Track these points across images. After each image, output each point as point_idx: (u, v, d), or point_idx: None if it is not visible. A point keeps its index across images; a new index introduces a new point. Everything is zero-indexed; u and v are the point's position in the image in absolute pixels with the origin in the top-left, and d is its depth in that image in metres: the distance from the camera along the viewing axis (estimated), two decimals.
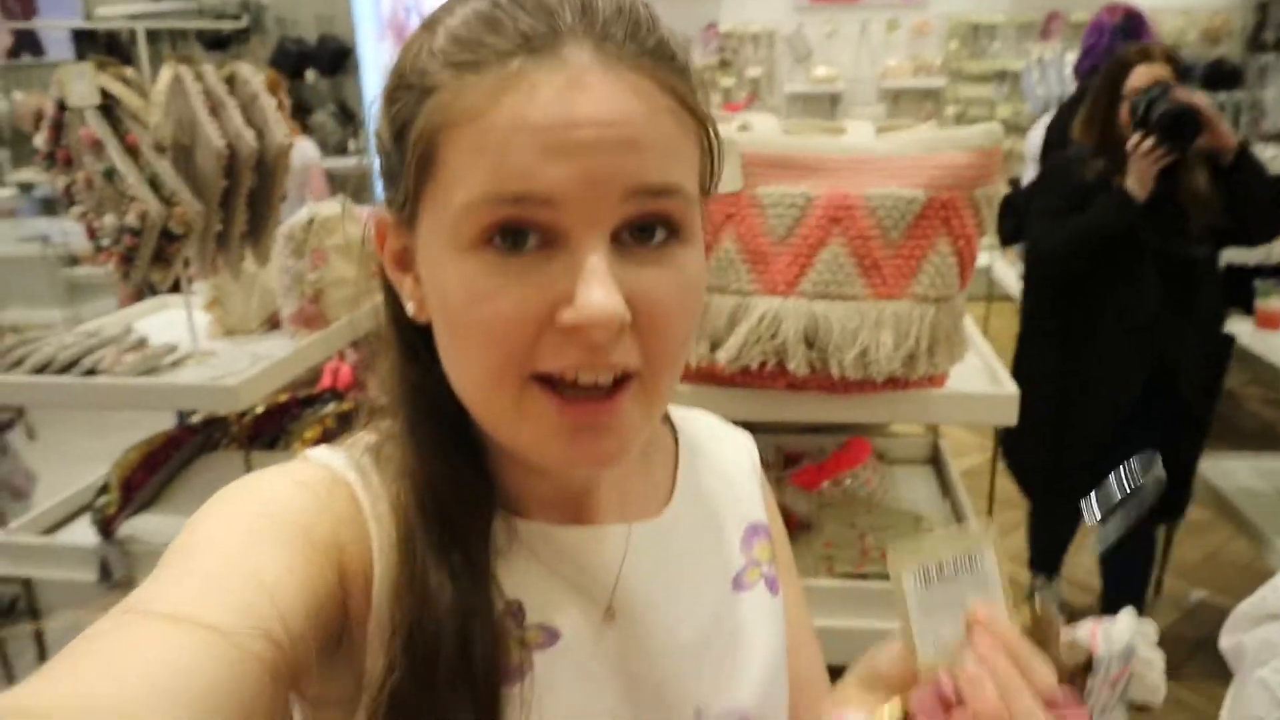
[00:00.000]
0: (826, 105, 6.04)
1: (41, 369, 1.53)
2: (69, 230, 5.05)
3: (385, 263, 0.54)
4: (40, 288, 4.86)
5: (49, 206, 5.56)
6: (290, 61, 5.82)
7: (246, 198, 1.52)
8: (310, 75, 5.95)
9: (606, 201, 0.44)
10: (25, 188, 5.66)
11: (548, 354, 0.46)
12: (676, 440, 0.66)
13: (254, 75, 1.51)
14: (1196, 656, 2.33)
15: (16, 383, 1.53)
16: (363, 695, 0.51)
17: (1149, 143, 1.87)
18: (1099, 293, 2.05)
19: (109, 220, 1.43)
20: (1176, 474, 2.20)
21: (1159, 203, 1.92)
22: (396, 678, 0.48)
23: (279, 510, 0.48)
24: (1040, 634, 0.48)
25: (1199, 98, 1.89)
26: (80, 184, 1.46)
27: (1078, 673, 0.57)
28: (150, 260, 1.46)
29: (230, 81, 1.51)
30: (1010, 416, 1.31)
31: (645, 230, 0.47)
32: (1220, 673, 1.03)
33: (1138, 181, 1.91)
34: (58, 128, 1.46)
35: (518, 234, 0.45)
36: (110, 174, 1.40)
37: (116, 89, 1.42)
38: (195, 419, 1.94)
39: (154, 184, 1.42)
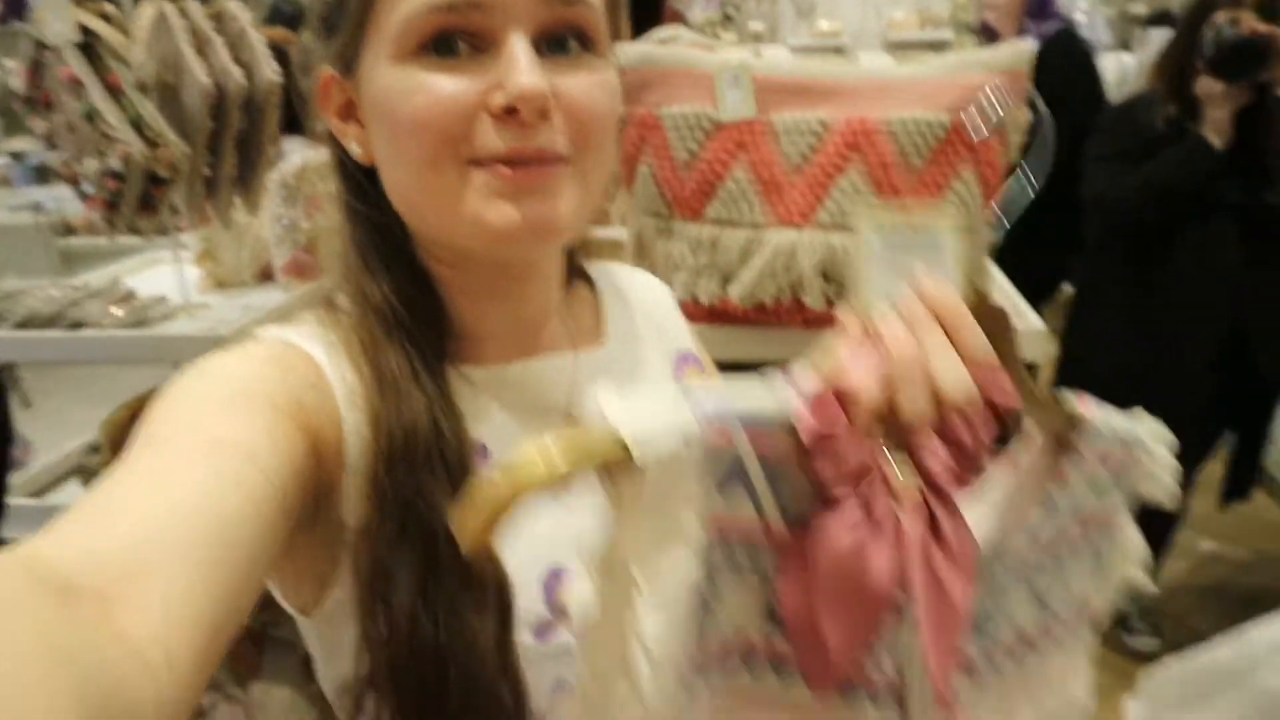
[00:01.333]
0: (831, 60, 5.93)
1: (26, 323, 1.48)
2: (62, 198, 4.98)
3: (330, 118, 0.58)
4: (33, 257, 4.77)
5: (43, 175, 5.46)
6: (284, 20, 5.68)
7: (235, 140, 1.46)
8: (306, 35, 5.82)
9: (526, 3, 0.51)
10: (18, 156, 5.57)
11: (481, 139, 0.51)
12: (594, 287, 0.70)
13: (241, 11, 1.44)
14: (1205, 606, 2.30)
15: (0, 338, 1.47)
16: (341, 556, 0.52)
17: (1217, 84, 1.72)
18: (1170, 250, 1.89)
19: (91, 164, 1.37)
20: (1246, 450, 2.11)
21: (1238, 150, 1.77)
22: (380, 465, 0.51)
23: (240, 384, 0.49)
24: (990, 326, 0.43)
25: (1276, 29, 1.71)
26: (61, 127, 1.39)
27: (1063, 434, 0.50)
28: (136, 206, 1.39)
29: (217, 19, 1.44)
30: (1036, 353, 1.25)
31: (560, 43, 0.53)
32: (1225, 623, 0.99)
33: (1214, 128, 1.76)
34: (36, 68, 1.39)
35: (451, 40, 0.51)
36: (91, 115, 1.34)
37: (97, 25, 1.35)
38: None
39: (138, 125, 1.36)
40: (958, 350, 0.41)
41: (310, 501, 0.50)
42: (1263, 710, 0.66)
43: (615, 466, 0.38)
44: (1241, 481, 2.15)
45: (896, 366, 0.40)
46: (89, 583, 0.32)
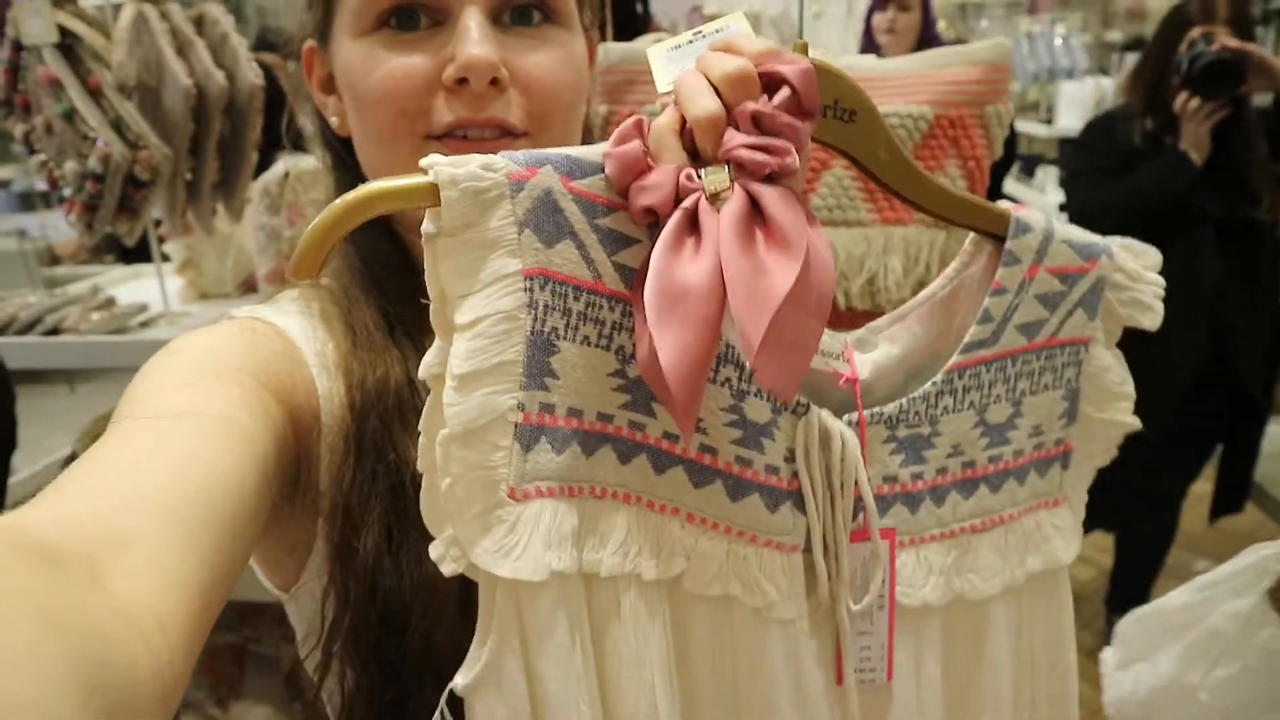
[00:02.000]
0: None
1: (3, 329, 1.45)
2: (47, 225, 4.96)
3: (313, 89, 0.60)
4: (17, 283, 4.72)
5: (28, 202, 5.45)
6: (269, 50, 5.72)
7: (218, 144, 1.44)
8: (291, 65, 5.85)
9: None
10: (3, 184, 5.55)
11: (436, 113, 0.52)
12: None
13: (224, 15, 1.43)
14: None
15: None
16: (317, 526, 0.52)
17: (1195, 100, 1.73)
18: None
19: (70, 166, 1.35)
20: (1234, 466, 2.08)
21: (1216, 164, 1.79)
22: (356, 415, 0.51)
23: (213, 357, 0.49)
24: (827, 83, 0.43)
25: (1250, 45, 1.74)
26: (39, 129, 1.38)
27: (989, 235, 0.48)
28: (116, 210, 1.38)
29: (199, 23, 1.43)
30: None
31: (524, 14, 0.53)
32: None
33: (1192, 143, 1.78)
34: (14, 70, 1.38)
35: (409, 15, 0.52)
36: (70, 115, 1.32)
37: (76, 26, 1.34)
38: None
39: (118, 127, 1.34)
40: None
41: (289, 470, 0.50)
42: (1209, 646, 0.66)
43: (424, 204, 0.38)
44: (1231, 496, 2.13)
45: (680, 88, 0.40)
46: (76, 549, 0.31)
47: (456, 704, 0.41)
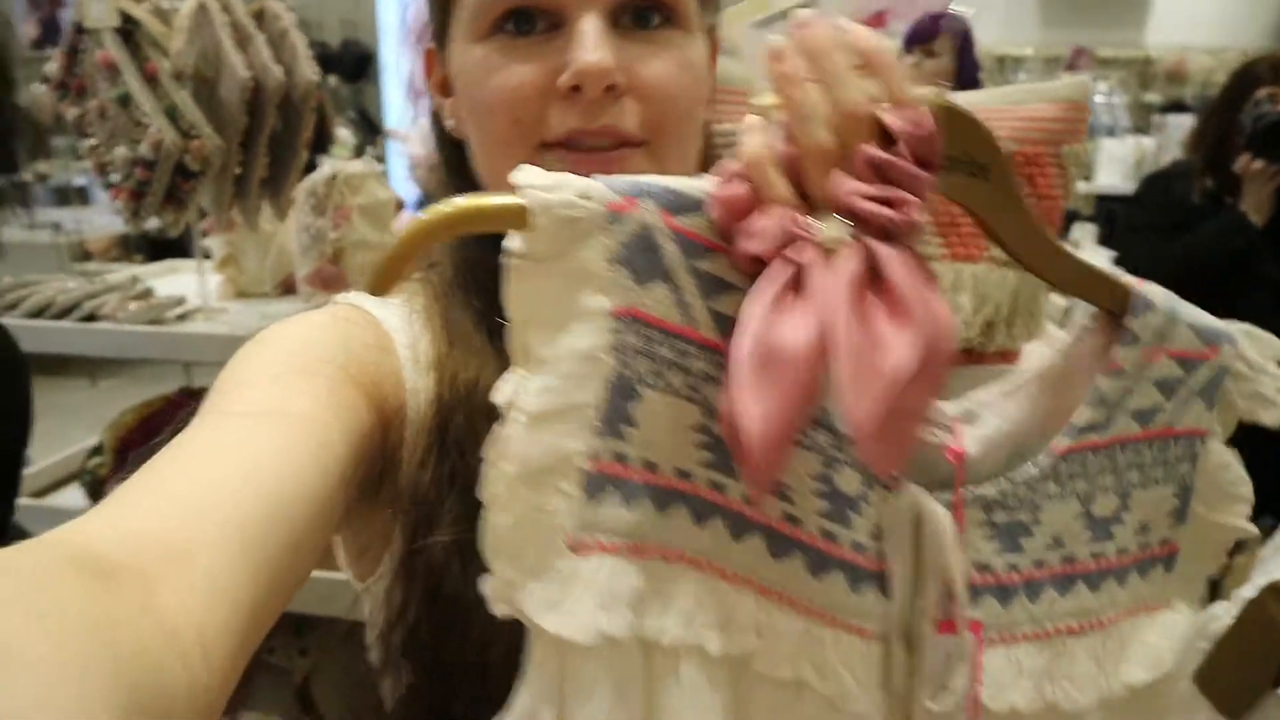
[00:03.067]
0: None
1: (39, 313, 1.43)
2: (81, 219, 5.01)
3: (431, 91, 0.60)
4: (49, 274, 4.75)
5: (63, 197, 5.51)
6: None
7: (269, 140, 1.42)
8: (333, 80, 5.92)
9: None
10: (41, 178, 5.61)
11: (552, 122, 0.50)
12: None
13: (285, 11, 1.42)
14: None
15: (11, 325, 1.42)
16: (399, 521, 0.50)
17: (1258, 162, 1.70)
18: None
19: (120, 152, 1.34)
20: None
21: (1277, 226, 1.75)
22: (442, 410, 0.50)
23: (302, 348, 0.48)
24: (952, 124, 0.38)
25: None
26: (93, 113, 1.36)
27: (1112, 311, 0.44)
28: (162, 198, 1.36)
29: (259, 17, 1.42)
30: None
31: (643, 16, 0.51)
32: None
33: (1253, 205, 1.74)
34: (72, 54, 1.37)
35: (526, 18, 0.50)
36: (125, 100, 1.31)
37: (138, 12, 1.33)
38: (201, 384, 1.83)
39: (172, 116, 1.33)
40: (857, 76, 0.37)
41: (373, 466, 0.49)
42: None
43: (514, 228, 0.35)
44: None
45: (793, 103, 0.36)
46: (130, 562, 0.31)
47: None
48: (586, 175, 0.49)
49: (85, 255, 5.03)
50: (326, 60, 5.95)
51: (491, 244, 0.55)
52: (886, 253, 0.34)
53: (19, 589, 0.27)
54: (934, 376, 0.33)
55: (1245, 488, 0.47)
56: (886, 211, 0.34)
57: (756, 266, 0.36)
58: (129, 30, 1.33)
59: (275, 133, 1.43)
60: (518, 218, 0.35)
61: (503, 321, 0.53)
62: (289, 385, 0.44)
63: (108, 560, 0.31)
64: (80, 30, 1.34)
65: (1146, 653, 0.46)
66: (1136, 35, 5.67)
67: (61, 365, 4.19)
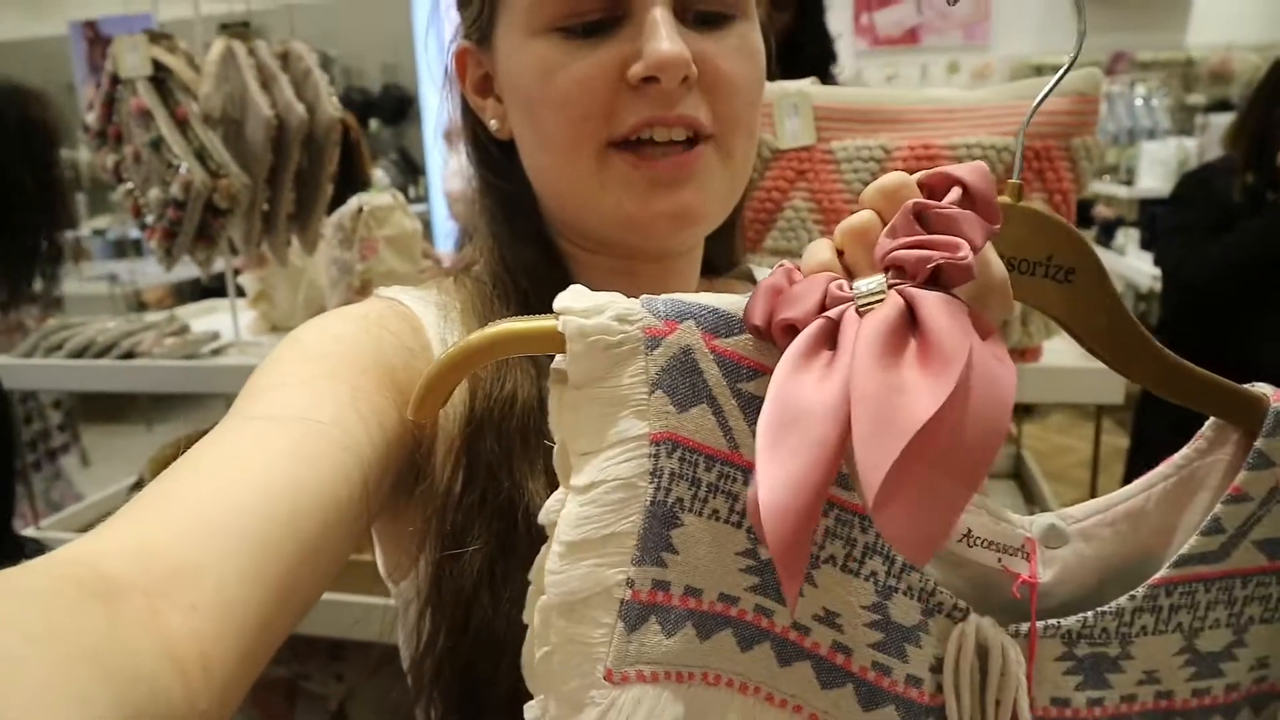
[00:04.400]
0: None
1: (80, 353, 1.49)
2: (136, 270, 5.19)
3: (468, 92, 0.57)
4: None
5: (120, 249, 5.72)
6: (355, 110, 5.96)
7: (295, 177, 1.47)
8: (374, 124, 6.08)
9: None
10: (99, 232, 5.84)
11: (621, 114, 0.48)
12: (756, 283, 0.64)
13: (308, 53, 1.47)
14: None
15: (54, 366, 1.48)
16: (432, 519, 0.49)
17: None
18: (1254, 330, 1.75)
19: (154, 194, 1.39)
20: None
21: None
22: (471, 430, 0.48)
23: (334, 350, 0.47)
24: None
25: None
26: (129, 159, 1.42)
27: (1233, 429, 0.40)
28: (194, 237, 1.41)
29: (283, 59, 1.47)
30: (1115, 393, 1.17)
31: (703, 10, 0.49)
32: None
33: None
34: (109, 103, 1.43)
35: (587, 13, 0.48)
36: (157, 145, 1.36)
37: (169, 60, 1.39)
38: None
39: (201, 156, 1.38)
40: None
41: (407, 467, 0.48)
42: None
43: (552, 351, 0.35)
44: None
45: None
46: (137, 580, 0.31)
47: None
48: (658, 182, 0.48)
49: (141, 305, 5.21)
50: (368, 104, 6.14)
51: (532, 248, 0.55)
52: (924, 296, 0.31)
53: (21, 611, 0.27)
54: (971, 434, 0.28)
55: None
56: (922, 253, 0.32)
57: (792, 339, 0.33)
58: (161, 78, 1.39)
59: (300, 169, 1.47)
60: (558, 343, 0.34)
61: None
62: (316, 389, 0.44)
63: (113, 580, 0.31)
64: (116, 81, 1.41)
65: None
66: (1178, 37, 5.57)
67: (118, 411, 4.34)
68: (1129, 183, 4.45)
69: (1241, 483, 0.38)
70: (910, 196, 0.34)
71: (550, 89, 0.48)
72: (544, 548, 0.36)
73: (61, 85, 5.61)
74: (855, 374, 0.30)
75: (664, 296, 0.36)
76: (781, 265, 0.35)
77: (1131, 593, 0.39)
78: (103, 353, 1.47)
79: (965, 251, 0.32)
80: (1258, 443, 0.38)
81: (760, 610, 0.37)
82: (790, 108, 1.17)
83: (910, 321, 0.31)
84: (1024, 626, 0.38)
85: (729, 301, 0.36)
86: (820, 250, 0.35)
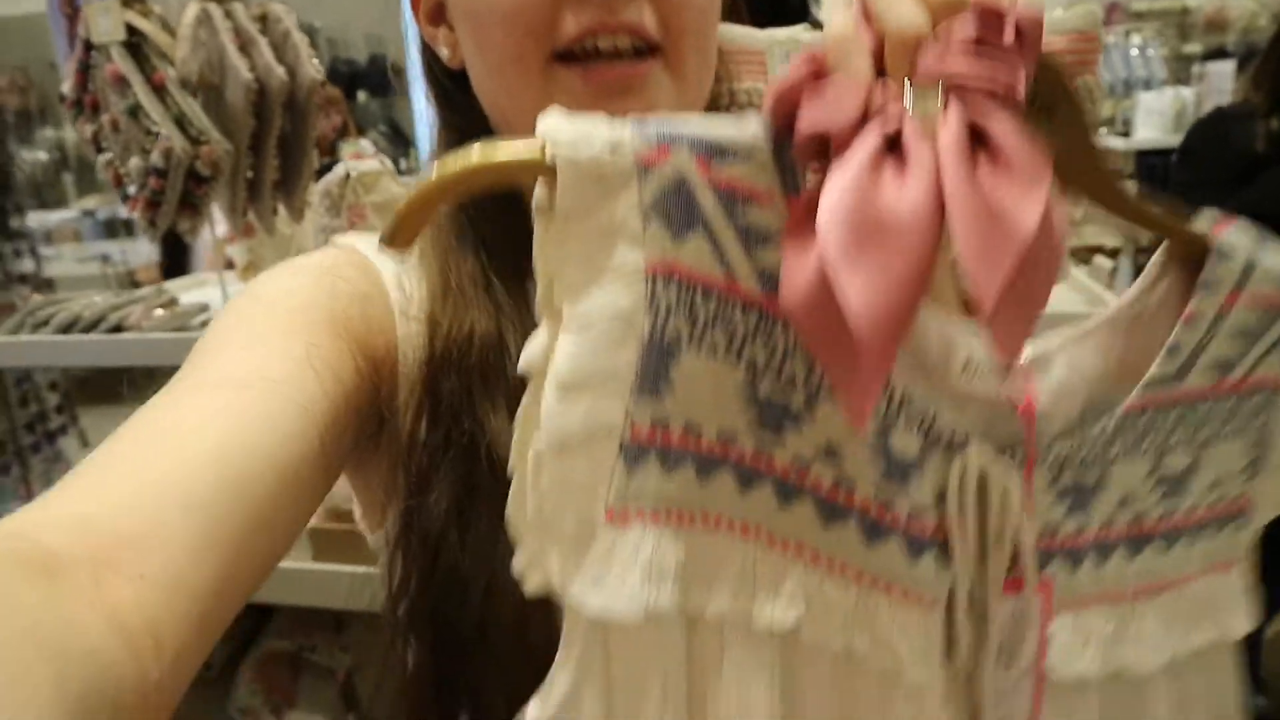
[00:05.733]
0: None
1: (68, 328, 1.47)
2: (128, 250, 5.15)
3: (420, 21, 0.56)
4: None
5: (111, 229, 5.67)
6: (342, 82, 5.88)
7: (278, 141, 1.44)
8: (361, 96, 6.00)
9: None
10: (89, 213, 5.79)
11: (565, 25, 0.47)
12: None
13: (286, 14, 1.44)
14: None
15: (41, 341, 1.46)
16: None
17: None
18: None
19: (134, 163, 1.36)
20: None
21: None
22: (431, 370, 0.48)
23: (286, 304, 0.47)
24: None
25: None
26: (106, 127, 1.39)
27: (1185, 257, 0.41)
28: (178, 206, 1.38)
29: (262, 21, 1.44)
30: None
31: None
32: None
33: None
34: (84, 71, 1.40)
35: None
36: (135, 112, 1.33)
37: (143, 25, 1.36)
38: None
39: (180, 123, 1.35)
40: None
41: (370, 417, 0.47)
42: None
43: (538, 178, 0.33)
44: None
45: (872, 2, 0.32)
46: (81, 553, 0.30)
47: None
48: (606, 92, 0.47)
49: (134, 284, 5.19)
50: (355, 76, 6.05)
51: (487, 205, 0.52)
52: (995, 114, 0.30)
53: None
54: (1055, 248, 0.30)
55: None
56: (988, 75, 0.30)
57: (817, 153, 0.32)
58: (136, 43, 1.36)
59: (284, 134, 1.44)
60: (544, 170, 0.33)
61: (501, 270, 0.52)
62: (267, 346, 0.43)
63: (56, 553, 0.30)
64: (89, 47, 1.37)
65: (1215, 612, 0.43)
66: None
67: (115, 391, 4.31)
68: (1126, 134, 4.41)
69: (1194, 308, 0.40)
70: (967, 18, 0.32)
71: (493, 2, 0.48)
72: (527, 394, 0.35)
73: (43, 64, 5.52)
74: (952, 187, 0.29)
75: (655, 119, 0.34)
76: (798, 58, 0.33)
77: (1108, 416, 0.40)
78: (90, 327, 1.45)
79: (1022, 85, 0.31)
80: (1206, 272, 0.40)
81: (760, 449, 0.36)
82: (782, 55, 1.14)
83: (976, 140, 0.31)
84: (1020, 454, 0.39)
85: (724, 126, 0.34)
86: (855, 53, 0.32)
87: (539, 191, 0.33)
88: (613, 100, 0.48)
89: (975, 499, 0.38)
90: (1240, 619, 0.44)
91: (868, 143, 0.31)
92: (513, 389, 0.47)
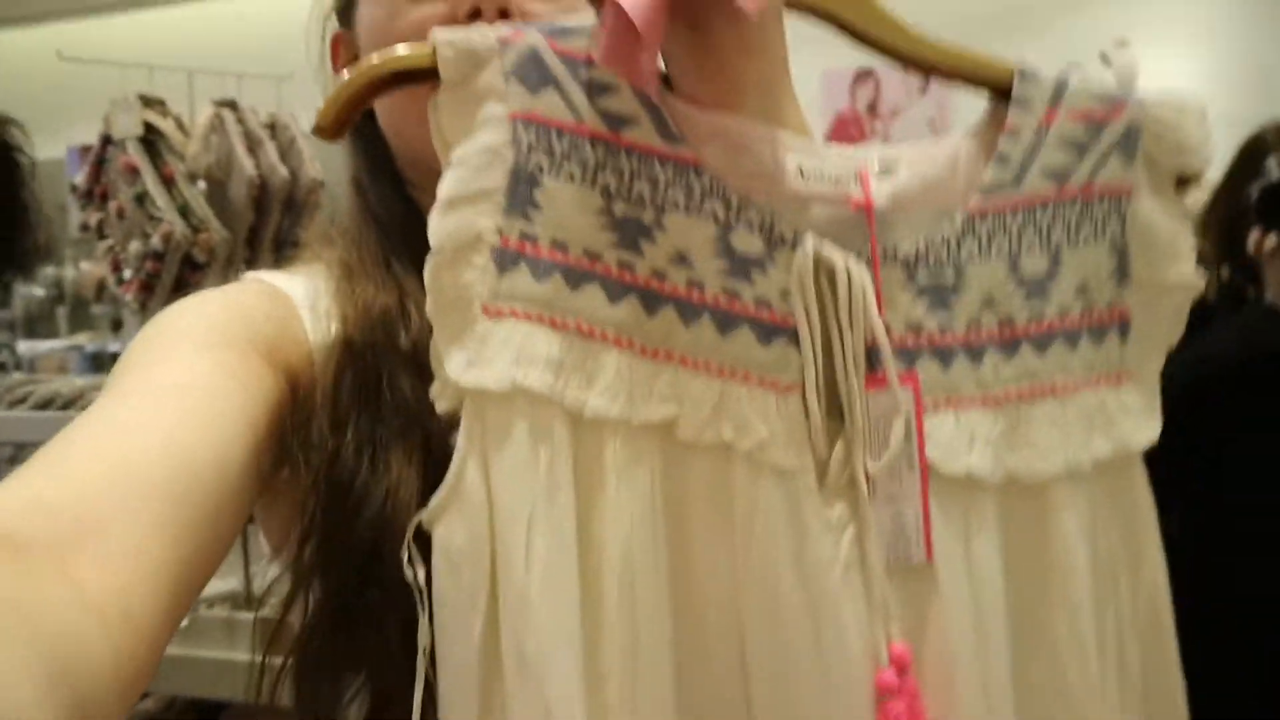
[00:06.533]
0: None
1: (45, 405, 1.48)
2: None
3: (339, 75, 0.58)
4: None
5: (98, 363, 5.70)
6: None
7: (274, 237, 1.51)
8: None
9: None
10: (76, 347, 5.82)
11: None
12: None
13: (293, 121, 1.55)
14: None
15: (16, 418, 1.47)
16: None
17: (1273, 236, 1.40)
18: (1240, 447, 1.45)
19: (134, 247, 1.43)
20: None
21: None
22: (343, 349, 0.49)
23: (203, 324, 0.47)
24: None
25: None
26: (112, 215, 1.46)
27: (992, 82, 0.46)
28: (171, 288, 1.43)
29: (271, 128, 1.55)
30: None
31: None
32: None
33: (1278, 292, 1.43)
34: (99, 164, 1.49)
35: None
36: (141, 198, 1.41)
37: (161, 124, 1.46)
38: None
39: (184, 212, 1.42)
40: None
41: (282, 435, 0.47)
42: None
43: (428, 67, 0.41)
44: None
45: None
46: (43, 536, 0.31)
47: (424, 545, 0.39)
48: None
49: None
50: None
51: (394, 199, 0.57)
52: None
53: None
54: None
55: (1180, 241, 0.47)
56: None
57: None
58: (151, 140, 1.45)
59: (280, 230, 1.52)
60: (430, 56, 0.41)
61: (402, 254, 0.53)
62: (190, 358, 0.44)
63: (19, 535, 0.30)
64: (108, 142, 1.47)
65: (1109, 425, 0.45)
66: None
67: None
68: None
69: (1012, 120, 0.44)
70: None
71: (390, 35, 0.52)
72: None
73: (55, 206, 5.72)
74: None
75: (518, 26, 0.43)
76: None
77: (951, 217, 0.44)
78: (67, 405, 1.46)
79: None
80: (1015, 90, 0.45)
81: (623, 265, 0.41)
82: None
83: None
84: (866, 251, 0.42)
85: (566, 21, 0.43)
86: None
87: (434, 95, 0.41)
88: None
89: (818, 285, 0.41)
90: (1140, 432, 0.46)
91: None
92: (418, 352, 0.49)
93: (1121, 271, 0.46)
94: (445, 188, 0.40)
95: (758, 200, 0.41)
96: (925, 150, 0.45)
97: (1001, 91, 0.46)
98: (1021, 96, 0.45)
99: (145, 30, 3.50)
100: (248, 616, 1.28)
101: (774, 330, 0.41)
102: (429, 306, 0.39)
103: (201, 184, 1.44)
